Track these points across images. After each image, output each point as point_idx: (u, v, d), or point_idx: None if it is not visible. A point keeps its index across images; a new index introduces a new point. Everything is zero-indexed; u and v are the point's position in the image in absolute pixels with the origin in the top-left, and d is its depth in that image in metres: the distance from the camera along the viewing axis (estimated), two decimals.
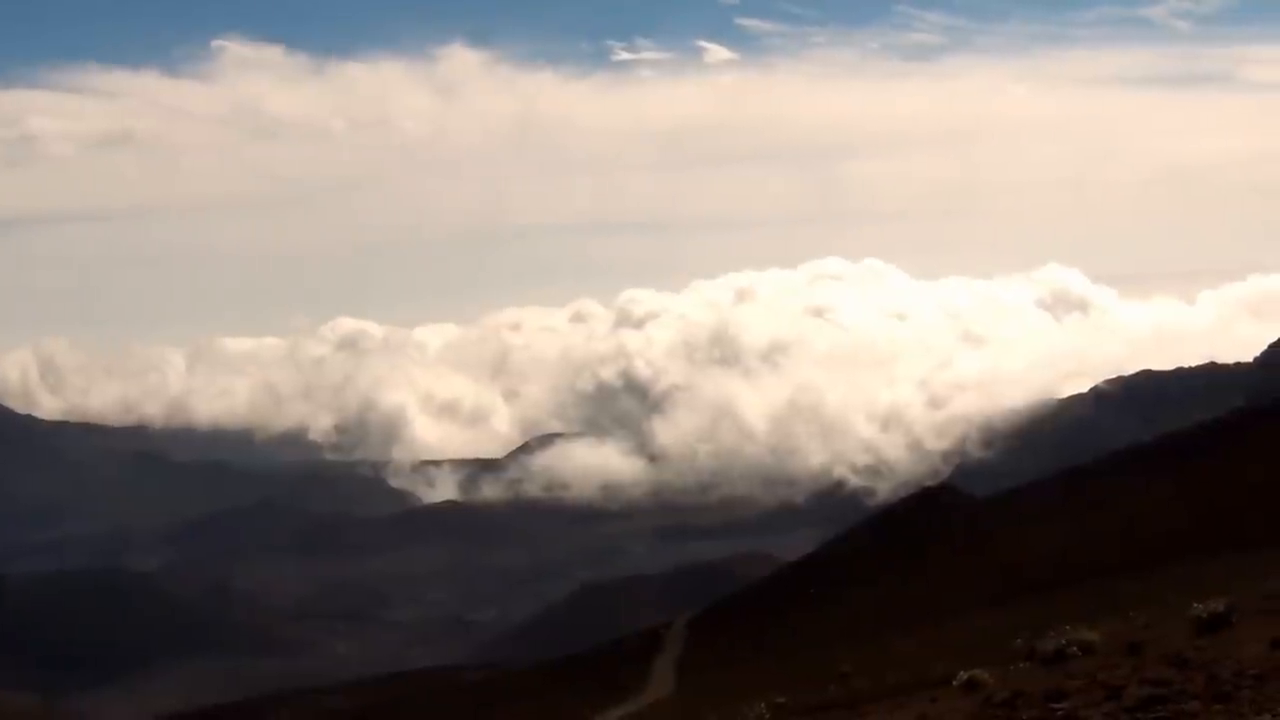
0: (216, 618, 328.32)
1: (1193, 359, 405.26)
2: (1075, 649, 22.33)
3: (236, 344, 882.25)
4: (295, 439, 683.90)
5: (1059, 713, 16.38)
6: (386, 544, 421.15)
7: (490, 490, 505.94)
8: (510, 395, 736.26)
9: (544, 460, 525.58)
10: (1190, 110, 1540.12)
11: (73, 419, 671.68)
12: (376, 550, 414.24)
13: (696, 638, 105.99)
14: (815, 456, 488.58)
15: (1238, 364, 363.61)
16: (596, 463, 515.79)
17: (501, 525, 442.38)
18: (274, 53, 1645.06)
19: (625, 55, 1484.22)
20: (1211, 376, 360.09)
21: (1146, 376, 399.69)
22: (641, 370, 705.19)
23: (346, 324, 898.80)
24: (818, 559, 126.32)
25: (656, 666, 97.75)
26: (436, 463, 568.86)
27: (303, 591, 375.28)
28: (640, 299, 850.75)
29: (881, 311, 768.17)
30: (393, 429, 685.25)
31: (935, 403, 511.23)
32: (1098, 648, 22.38)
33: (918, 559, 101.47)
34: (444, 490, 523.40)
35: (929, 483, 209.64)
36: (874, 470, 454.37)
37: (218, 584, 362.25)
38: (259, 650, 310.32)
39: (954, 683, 23.01)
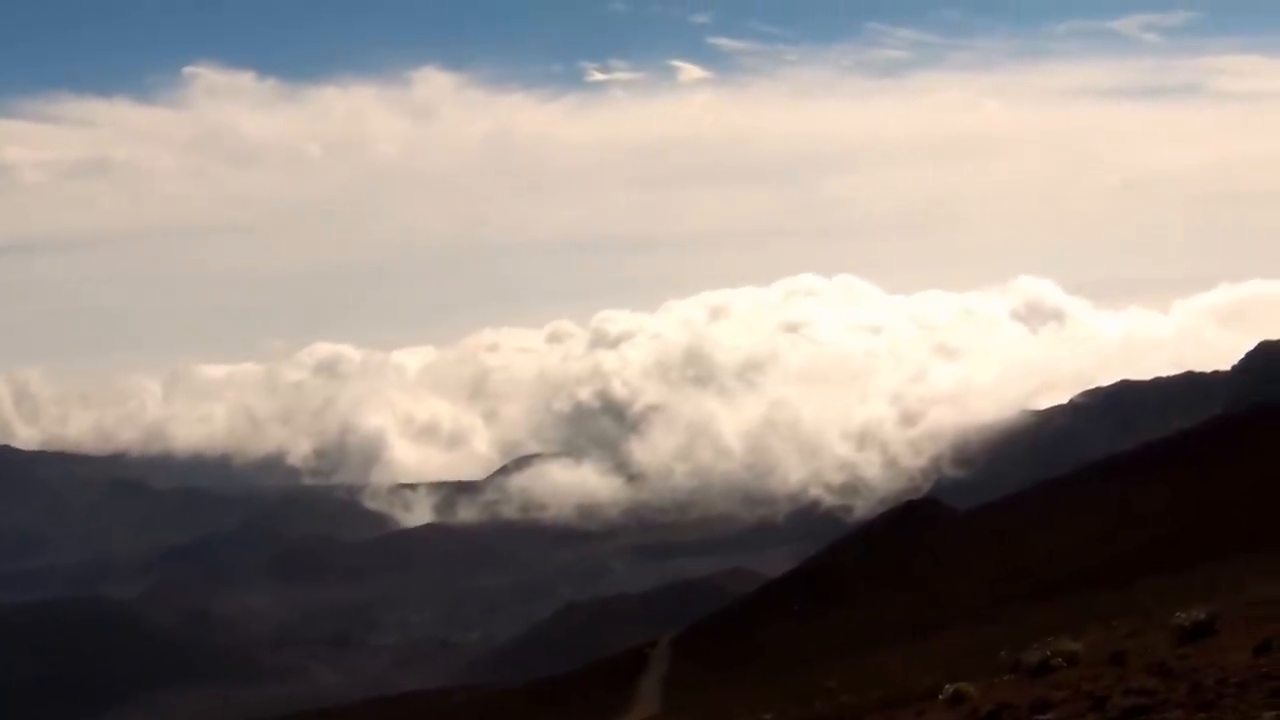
0: (198, 645, 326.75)
1: (1169, 368, 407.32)
2: (1059, 660, 22.43)
3: (214, 369, 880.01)
4: (274, 464, 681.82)
5: None
6: (368, 568, 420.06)
7: (468, 512, 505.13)
8: (489, 417, 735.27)
9: (522, 481, 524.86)
10: (1161, 121, 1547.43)
11: (50, 448, 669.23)
12: (358, 574, 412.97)
13: (681, 655, 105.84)
14: (793, 474, 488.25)
15: (1215, 372, 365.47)
16: (575, 483, 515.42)
17: (483, 547, 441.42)
18: (246, 78, 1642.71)
19: (599, 76, 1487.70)
20: (1190, 385, 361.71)
21: (1124, 386, 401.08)
22: (618, 390, 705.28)
23: (324, 348, 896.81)
24: (801, 574, 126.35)
25: (642, 685, 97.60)
26: (412, 486, 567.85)
27: (284, 617, 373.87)
28: (615, 319, 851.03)
29: (856, 327, 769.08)
30: (372, 452, 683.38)
31: (912, 418, 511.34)
32: (1082, 658, 22.48)
33: (901, 573, 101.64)
34: (421, 513, 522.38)
35: (909, 497, 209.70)
36: (851, 488, 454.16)
37: (198, 611, 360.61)
38: (241, 677, 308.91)
39: (940, 696, 23.11)
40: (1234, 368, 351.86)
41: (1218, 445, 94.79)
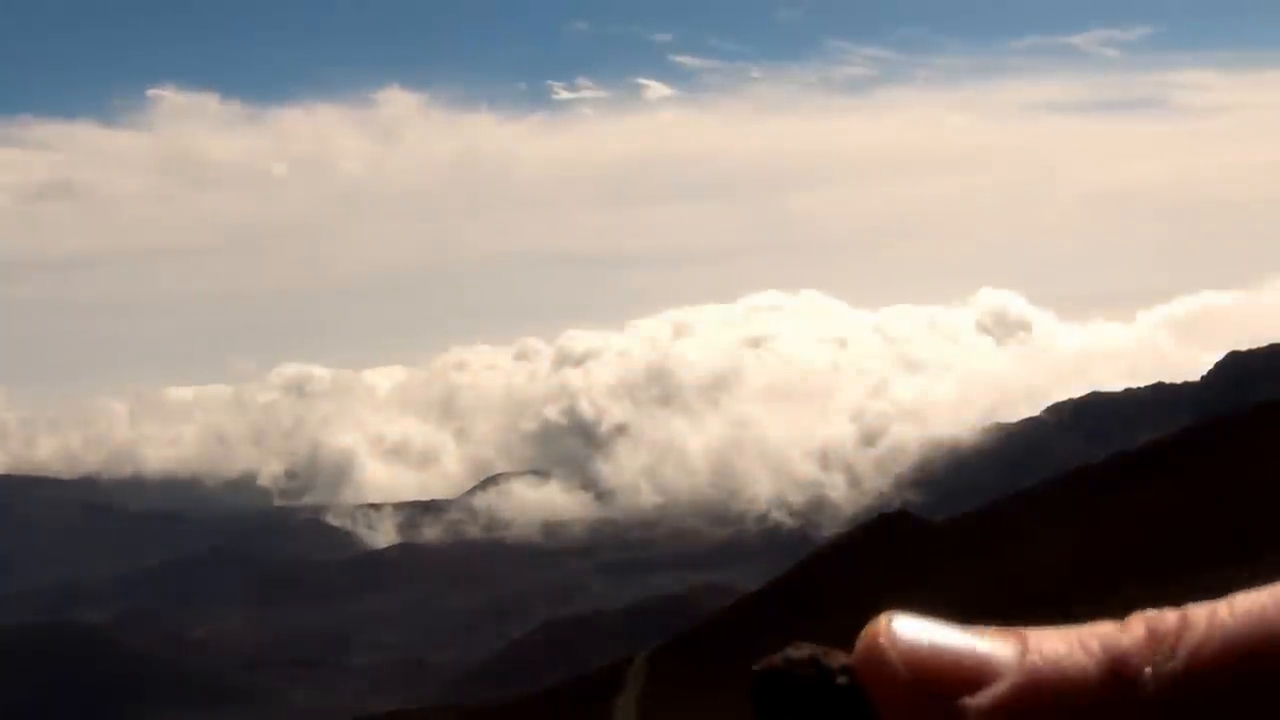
0: (170, 669, 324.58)
1: (1135, 379, 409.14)
2: None
3: (183, 391, 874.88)
4: (245, 485, 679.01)
5: None
6: (341, 588, 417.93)
7: (432, 531, 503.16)
8: (459, 436, 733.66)
9: (490, 500, 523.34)
10: (1122, 134, 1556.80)
11: (17, 472, 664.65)
12: (331, 595, 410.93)
13: (658, 672, 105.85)
14: (759, 491, 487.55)
15: (1185, 383, 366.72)
16: (543, 501, 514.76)
17: (455, 565, 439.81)
18: (210, 100, 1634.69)
19: (565, 94, 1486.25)
20: (1159, 395, 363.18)
21: (1093, 398, 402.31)
22: (585, 409, 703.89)
23: (293, 368, 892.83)
24: (776, 589, 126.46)
25: (618, 703, 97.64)
26: (376, 506, 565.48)
27: (259, 639, 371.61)
28: (580, 337, 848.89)
29: (821, 343, 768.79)
30: (343, 473, 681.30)
31: (878, 433, 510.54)
32: None
33: (875, 586, 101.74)
34: (385, 533, 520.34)
35: (879, 511, 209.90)
36: (817, 505, 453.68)
37: (171, 635, 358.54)
38: (216, 701, 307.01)
39: None
40: (1203, 378, 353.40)
41: (1191, 455, 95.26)
